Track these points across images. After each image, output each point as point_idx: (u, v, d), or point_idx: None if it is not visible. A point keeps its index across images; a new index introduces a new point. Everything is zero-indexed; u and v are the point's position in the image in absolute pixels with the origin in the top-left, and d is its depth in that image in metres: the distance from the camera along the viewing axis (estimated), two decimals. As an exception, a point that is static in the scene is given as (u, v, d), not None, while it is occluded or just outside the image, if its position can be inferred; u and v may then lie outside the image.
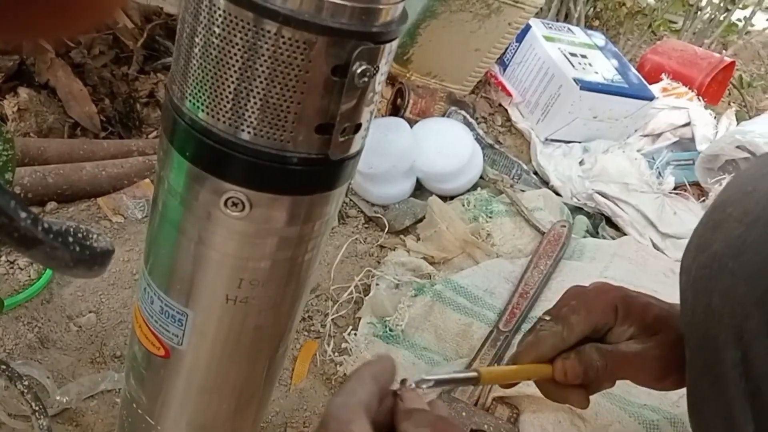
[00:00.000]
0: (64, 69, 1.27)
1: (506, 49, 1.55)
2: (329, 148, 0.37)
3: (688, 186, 1.40)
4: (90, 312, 0.87)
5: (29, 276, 0.88)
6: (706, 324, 0.45)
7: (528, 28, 1.55)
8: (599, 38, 1.70)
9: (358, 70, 0.34)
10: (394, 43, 0.37)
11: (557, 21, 1.92)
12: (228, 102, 0.35)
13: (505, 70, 1.62)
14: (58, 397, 0.74)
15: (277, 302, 0.45)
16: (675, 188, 1.37)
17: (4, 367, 0.50)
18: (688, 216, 1.29)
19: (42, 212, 0.99)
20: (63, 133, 1.23)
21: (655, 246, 1.23)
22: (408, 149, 1.19)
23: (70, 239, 0.28)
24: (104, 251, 0.30)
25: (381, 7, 0.34)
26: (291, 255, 0.42)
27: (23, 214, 0.26)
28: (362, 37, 0.34)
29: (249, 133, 0.36)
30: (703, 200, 1.37)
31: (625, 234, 1.23)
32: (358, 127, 0.38)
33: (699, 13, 2.39)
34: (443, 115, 1.37)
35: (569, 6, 2.05)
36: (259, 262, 0.42)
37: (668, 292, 1.07)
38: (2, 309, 0.64)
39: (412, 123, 1.29)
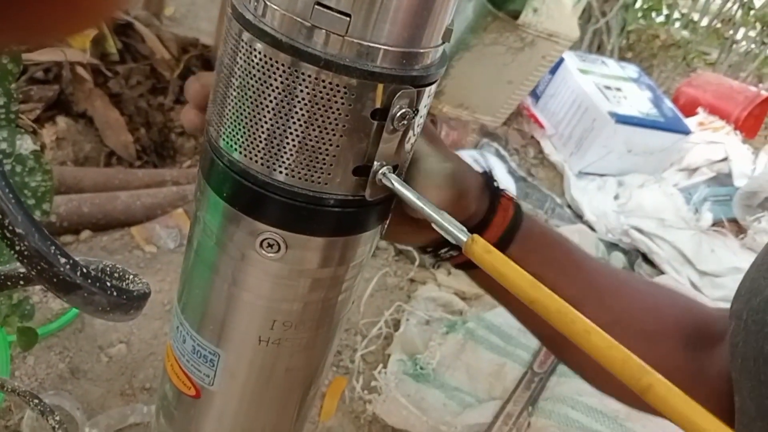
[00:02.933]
0: (102, 99, 1.29)
1: (539, 81, 1.54)
2: (366, 189, 0.36)
3: (725, 222, 1.37)
4: (121, 342, 0.87)
5: (62, 305, 0.89)
6: (758, 370, 0.43)
7: (561, 60, 1.55)
8: (633, 70, 1.68)
9: (398, 114, 0.34)
10: (434, 86, 0.36)
11: (590, 52, 1.91)
12: (265, 143, 0.35)
13: (537, 101, 1.61)
14: (87, 430, 0.74)
15: (309, 344, 0.44)
16: (712, 224, 1.34)
17: (36, 401, 0.50)
18: (726, 253, 1.26)
19: (76, 240, 1.00)
20: (99, 162, 1.25)
21: (692, 284, 1.19)
22: (439, 182, 1.18)
23: (108, 284, 0.28)
24: (141, 295, 0.30)
25: (422, 51, 0.34)
26: (324, 296, 0.42)
27: (62, 260, 0.26)
28: (402, 81, 0.33)
29: (286, 174, 0.35)
30: (742, 237, 1.34)
31: (661, 271, 1.21)
32: (395, 168, 0.37)
33: (734, 46, 2.36)
34: (475, 147, 1.36)
35: (602, 38, 2.04)
36: (292, 304, 0.41)
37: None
38: (36, 340, 0.64)
39: (443, 155, 1.28)
